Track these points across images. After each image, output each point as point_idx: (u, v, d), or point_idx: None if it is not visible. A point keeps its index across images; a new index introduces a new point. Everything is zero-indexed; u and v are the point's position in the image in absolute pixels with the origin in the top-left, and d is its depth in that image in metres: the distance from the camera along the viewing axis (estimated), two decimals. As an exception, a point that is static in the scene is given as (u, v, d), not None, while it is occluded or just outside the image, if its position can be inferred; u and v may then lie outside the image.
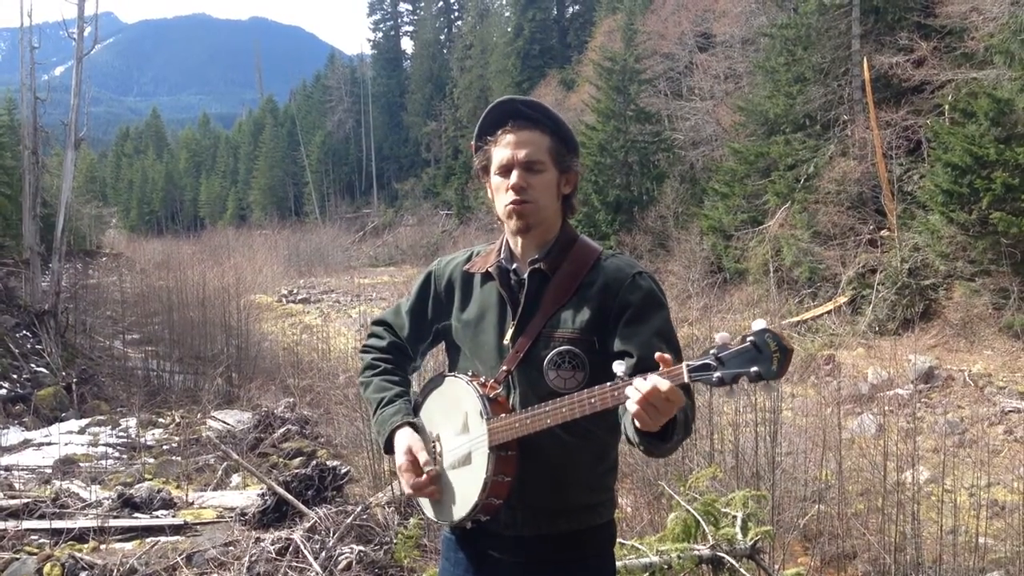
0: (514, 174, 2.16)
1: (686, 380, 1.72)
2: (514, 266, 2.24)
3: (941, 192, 14.95)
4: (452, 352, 2.38)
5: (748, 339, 1.67)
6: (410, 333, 2.43)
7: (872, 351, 14.74)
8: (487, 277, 2.27)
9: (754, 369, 1.65)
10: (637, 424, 1.82)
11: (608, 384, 1.90)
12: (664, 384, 1.72)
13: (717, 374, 1.68)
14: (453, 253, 2.46)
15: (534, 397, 2.11)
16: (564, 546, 2.19)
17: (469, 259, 2.36)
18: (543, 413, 2.00)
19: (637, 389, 1.76)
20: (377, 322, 2.53)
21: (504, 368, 2.18)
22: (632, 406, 1.78)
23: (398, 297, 16.43)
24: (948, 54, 17.06)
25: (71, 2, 17.44)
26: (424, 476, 2.18)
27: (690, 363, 1.73)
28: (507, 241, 2.28)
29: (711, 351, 1.71)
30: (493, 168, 2.22)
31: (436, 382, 2.32)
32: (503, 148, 2.18)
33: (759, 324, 1.68)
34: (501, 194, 2.20)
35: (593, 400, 1.91)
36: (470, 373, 2.23)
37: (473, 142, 2.28)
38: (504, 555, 2.23)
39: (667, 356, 1.77)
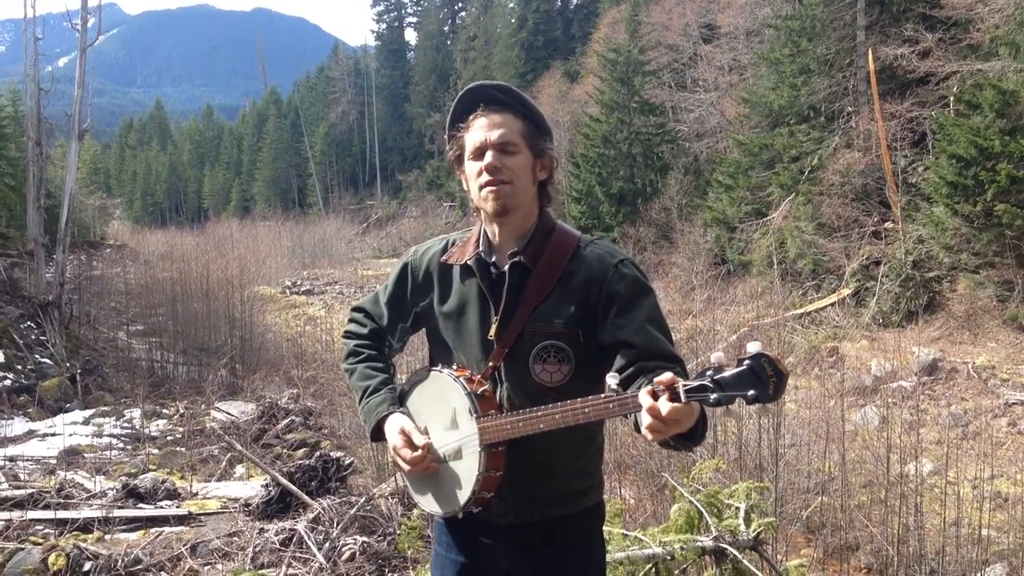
0: (488, 155, 2.14)
1: (683, 401, 1.72)
2: (493, 258, 2.22)
3: (945, 184, 14.90)
4: (434, 343, 2.37)
5: (745, 363, 1.68)
6: (389, 323, 2.43)
7: (876, 343, 14.72)
8: (466, 270, 2.25)
9: (751, 393, 1.66)
10: (651, 438, 1.81)
11: (603, 396, 1.90)
12: (675, 406, 1.72)
13: (714, 396, 1.69)
14: (427, 242, 2.44)
15: (521, 391, 2.13)
16: (554, 530, 2.22)
17: (446, 248, 2.34)
18: (535, 418, 2.00)
19: (647, 413, 1.75)
20: (357, 309, 2.53)
21: (490, 364, 2.18)
22: (643, 428, 1.79)
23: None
24: (953, 45, 16.98)
25: (74, -7, 17.43)
26: (419, 451, 2.18)
27: (687, 384, 1.73)
28: (484, 231, 2.26)
29: (707, 372, 1.71)
30: (467, 153, 2.20)
31: (421, 375, 2.32)
32: (476, 132, 2.17)
33: (755, 347, 1.68)
34: (475, 178, 2.17)
35: (588, 411, 1.92)
36: (455, 367, 2.23)
37: (446, 133, 2.27)
38: (496, 541, 2.26)
39: (666, 378, 1.76)
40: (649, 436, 1.79)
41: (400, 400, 2.34)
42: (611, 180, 26.49)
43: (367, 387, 2.35)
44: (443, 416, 2.21)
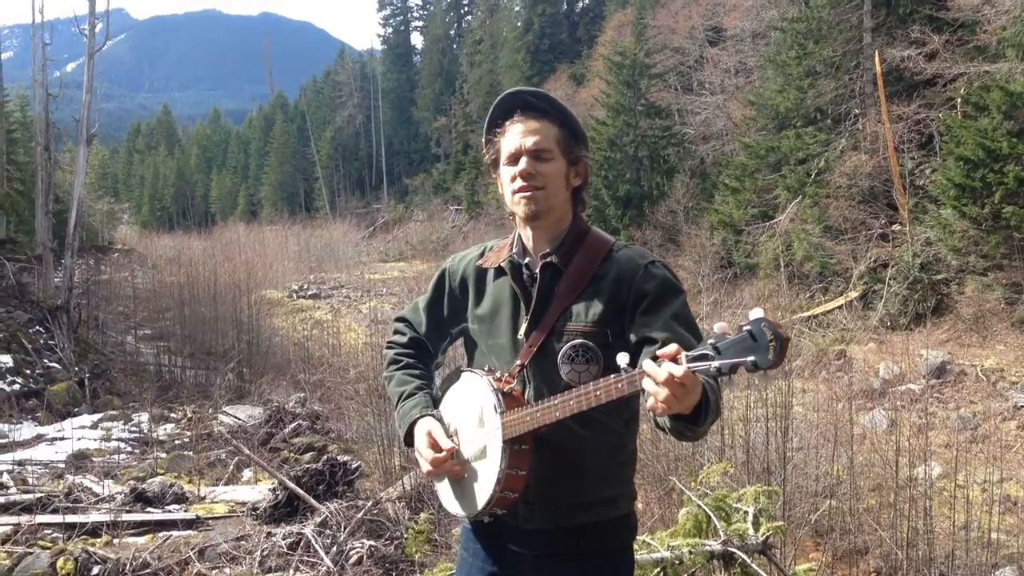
0: (522, 161, 2.16)
1: (684, 369, 1.71)
2: (526, 260, 2.25)
3: (953, 186, 14.86)
4: (469, 348, 2.39)
5: (744, 328, 1.66)
6: (428, 329, 2.46)
7: (884, 346, 14.67)
8: (500, 272, 2.28)
9: (751, 358, 1.64)
10: (657, 412, 1.80)
11: (612, 376, 1.89)
12: (678, 371, 1.70)
13: (715, 364, 1.67)
14: (466, 249, 2.47)
15: (548, 391, 2.11)
16: (582, 538, 2.20)
17: (482, 255, 2.37)
18: (552, 406, 2.01)
19: (652, 380, 1.74)
20: (398, 319, 2.57)
21: (518, 362, 2.18)
22: (648, 400, 1.77)
23: (408, 292, 16.45)
24: (960, 47, 16.93)
25: (82, -2, 17.51)
26: (443, 452, 2.19)
27: (688, 353, 1.72)
28: (519, 235, 2.29)
29: (709, 341, 1.70)
30: (502, 159, 2.22)
31: (454, 377, 2.34)
32: (511, 137, 2.19)
33: (756, 313, 1.66)
34: (509, 183, 2.20)
35: (599, 392, 1.91)
36: (486, 368, 2.23)
37: (483, 137, 2.29)
38: (522, 548, 2.24)
39: (669, 349, 1.75)
40: (657, 411, 1.77)
41: (435, 404, 2.36)
42: (617, 183, 26.49)
43: (402, 392, 2.38)
44: (472, 415, 2.21)
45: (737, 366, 1.66)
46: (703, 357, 1.69)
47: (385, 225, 51.16)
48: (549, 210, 2.19)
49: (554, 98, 2.24)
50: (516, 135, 2.18)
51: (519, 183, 2.16)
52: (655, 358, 1.76)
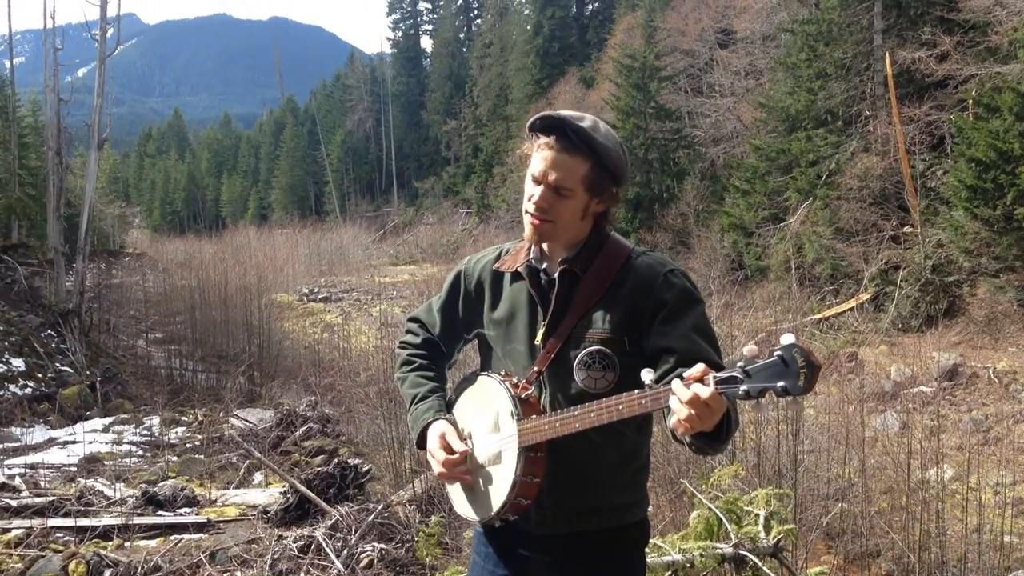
0: (539, 191, 2.12)
1: (712, 391, 1.70)
2: (544, 265, 2.22)
3: (965, 188, 14.81)
4: (484, 351, 2.38)
5: (776, 353, 1.65)
6: (442, 331, 2.45)
7: (895, 348, 14.62)
8: (517, 276, 2.26)
9: (780, 384, 1.63)
10: (680, 431, 1.81)
11: (636, 392, 1.89)
12: (705, 392, 1.70)
13: (743, 387, 1.67)
14: (481, 251, 2.45)
15: (564, 398, 2.12)
16: (595, 544, 2.19)
17: (498, 257, 2.35)
18: (572, 417, 1.99)
19: (679, 399, 1.74)
20: (411, 319, 2.55)
21: (535, 368, 2.17)
22: (672, 418, 1.78)
23: (419, 295, 16.47)
24: (971, 48, 16.88)
25: (93, 3, 17.60)
26: (456, 455, 2.18)
27: (717, 375, 1.71)
28: None
29: (738, 363, 1.69)
30: (530, 167, 2.17)
31: (469, 380, 2.33)
32: (540, 160, 2.13)
33: (788, 339, 1.65)
34: (526, 198, 2.17)
35: (621, 407, 1.90)
36: (503, 372, 2.22)
37: (527, 127, 2.23)
38: (534, 553, 2.24)
39: (696, 371, 1.75)
40: (680, 430, 1.78)
41: (448, 407, 2.35)
42: (627, 185, 26.46)
43: (416, 395, 2.36)
44: (487, 420, 2.21)
45: (766, 391, 1.66)
46: (732, 380, 1.69)
47: (395, 228, 51.22)
48: (554, 239, 2.18)
49: (594, 137, 2.10)
50: (543, 161, 2.11)
51: (532, 207, 2.13)
52: (682, 378, 1.76)
